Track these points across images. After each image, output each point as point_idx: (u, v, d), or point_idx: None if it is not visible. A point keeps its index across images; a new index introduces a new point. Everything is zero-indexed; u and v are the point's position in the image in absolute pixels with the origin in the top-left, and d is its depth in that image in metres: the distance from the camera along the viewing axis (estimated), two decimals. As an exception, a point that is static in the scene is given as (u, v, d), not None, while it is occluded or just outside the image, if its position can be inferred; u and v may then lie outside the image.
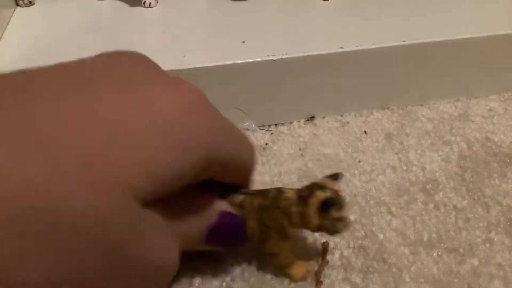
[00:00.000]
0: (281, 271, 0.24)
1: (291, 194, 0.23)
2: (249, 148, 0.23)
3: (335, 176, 0.23)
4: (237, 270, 0.25)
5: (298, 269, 0.24)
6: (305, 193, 0.22)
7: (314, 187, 0.22)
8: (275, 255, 0.24)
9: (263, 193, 0.23)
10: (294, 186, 0.30)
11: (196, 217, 0.20)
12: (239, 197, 0.23)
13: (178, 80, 0.19)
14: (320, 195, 0.22)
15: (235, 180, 0.23)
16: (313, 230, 0.23)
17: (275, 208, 0.22)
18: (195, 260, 0.25)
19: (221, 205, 0.22)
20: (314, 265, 0.25)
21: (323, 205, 0.21)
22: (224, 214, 0.22)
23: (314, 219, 0.22)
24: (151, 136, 0.16)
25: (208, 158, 0.18)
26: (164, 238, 0.18)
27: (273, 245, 0.23)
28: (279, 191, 0.23)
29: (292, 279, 0.24)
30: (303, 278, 0.24)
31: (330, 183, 0.23)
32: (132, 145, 0.16)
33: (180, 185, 0.18)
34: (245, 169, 0.23)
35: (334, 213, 0.22)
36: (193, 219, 0.20)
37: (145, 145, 0.16)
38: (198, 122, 0.18)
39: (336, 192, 0.22)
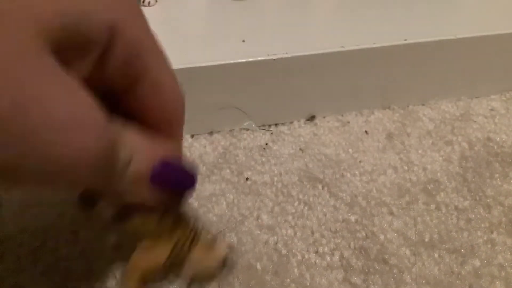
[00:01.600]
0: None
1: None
2: (169, 68, 0.20)
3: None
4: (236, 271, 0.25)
5: None
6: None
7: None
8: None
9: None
10: (295, 186, 0.30)
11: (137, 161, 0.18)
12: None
13: None
14: None
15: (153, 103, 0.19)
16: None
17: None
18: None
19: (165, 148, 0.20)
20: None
21: None
22: (169, 161, 0.19)
23: None
24: None
25: (114, 26, 0.16)
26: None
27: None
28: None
29: None
30: None
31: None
32: None
33: (89, 50, 0.16)
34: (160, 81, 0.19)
35: None
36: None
37: None
38: None
39: None
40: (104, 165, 0.16)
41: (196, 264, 0.21)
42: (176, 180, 0.20)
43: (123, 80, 0.18)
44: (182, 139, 0.23)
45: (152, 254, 0.20)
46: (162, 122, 0.20)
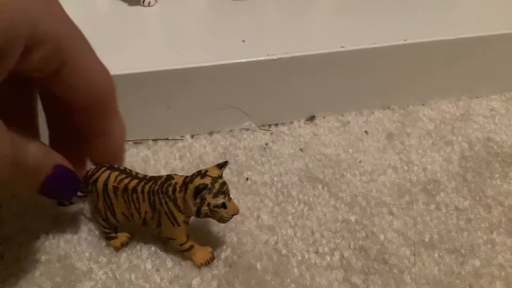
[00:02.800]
0: (183, 255, 0.25)
1: (177, 180, 0.23)
2: (92, 56, 0.22)
3: (220, 165, 0.24)
4: (236, 271, 0.24)
5: (200, 254, 0.25)
6: (187, 180, 0.23)
7: (196, 174, 0.23)
8: (171, 240, 0.24)
9: (155, 178, 0.24)
10: (295, 186, 0.30)
11: (32, 166, 0.21)
12: (124, 180, 0.24)
13: None
14: (196, 181, 0.22)
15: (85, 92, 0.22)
16: (198, 216, 0.23)
17: (164, 193, 0.23)
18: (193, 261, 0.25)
19: (57, 157, 0.22)
20: (220, 252, 0.25)
21: (195, 190, 0.22)
22: (59, 167, 0.22)
23: (191, 204, 0.22)
24: None
25: (34, 24, 0.18)
26: None
27: (167, 230, 0.24)
28: (169, 177, 0.24)
29: (195, 263, 0.25)
30: (206, 263, 0.25)
31: (213, 171, 0.23)
32: None
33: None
34: (86, 76, 0.21)
35: (209, 199, 0.22)
36: (28, 167, 0.20)
37: None
38: None
39: (215, 179, 0.22)
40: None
41: None
42: (63, 187, 0.23)
43: (47, 68, 0.20)
44: (123, 121, 0.25)
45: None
46: (90, 102, 0.22)
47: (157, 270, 0.25)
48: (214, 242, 0.26)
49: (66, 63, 0.20)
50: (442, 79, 0.38)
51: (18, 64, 0.18)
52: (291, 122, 0.36)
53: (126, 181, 0.24)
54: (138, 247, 0.26)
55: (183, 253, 0.25)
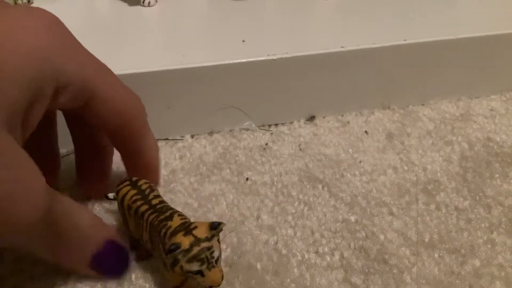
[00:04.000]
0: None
1: (172, 224, 0.21)
2: (119, 85, 0.23)
3: (214, 225, 0.20)
4: (235, 271, 0.24)
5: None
6: (177, 228, 0.21)
7: (183, 227, 0.21)
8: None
9: (162, 210, 0.23)
10: (295, 186, 0.30)
11: (83, 238, 0.21)
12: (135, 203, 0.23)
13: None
14: (175, 238, 0.20)
15: (115, 124, 0.23)
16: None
17: (158, 233, 0.21)
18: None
19: (111, 231, 0.23)
20: None
21: (168, 249, 0.20)
22: (110, 242, 0.22)
23: (164, 257, 0.21)
24: None
25: (55, 70, 0.19)
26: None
27: (161, 268, 0.22)
28: (170, 216, 0.22)
29: None
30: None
31: (202, 230, 0.20)
32: None
33: (31, 103, 0.18)
34: (117, 110, 0.23)
35: (182, 261, 0.20)
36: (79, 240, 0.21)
37: None
38: (41, 35, 0.18)
39: (196, 241, 0.20)
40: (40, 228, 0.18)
41: None
42: (113, 266, 0.23)
43: (75, 104, 0.21)
44: (155, 141, 0.26)
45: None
46: (120, 126, 0.23)
47: (157, 270, 0.25)
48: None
49: (94, 96, 0.21)
50: (442, 79, 0.38)
51: (49, 106, 0.19)
52: (291, 122, 0.36)
53: (138, 203, 0.23)
54: (138, 247, 0.26)
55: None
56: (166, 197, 0.28)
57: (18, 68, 0.17)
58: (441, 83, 0.38)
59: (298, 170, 0.31)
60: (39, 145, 0.24)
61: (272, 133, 0.35)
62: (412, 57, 0.35)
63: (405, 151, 0.33)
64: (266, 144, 0.34)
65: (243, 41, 0.34)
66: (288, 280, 0.24)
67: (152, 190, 0.24)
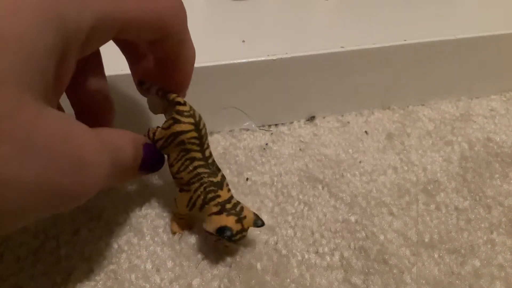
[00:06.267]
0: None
1: (222, 195, 0.24)
2: (174, 8, 0.23)
3: (257, 223, 0.24)
4: (235, 272, 0.25)
5: (176, 225, 0.26)
6: (232, 205, 0.24)
7: (236, 209, 0.24)
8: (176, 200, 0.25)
9: (212, 166, 0.24)
10: (295, 187, 0.30)
11: (132, 160, 0.22)
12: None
13: None
14: (228, 220, 0.23)
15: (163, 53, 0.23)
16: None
17: (205, 190, 0.24)
18: (194, 262, 0.25)
19: (141, 138, 0.24)
20: (220, 253, 0.26)
21: (219, 229, 0.23)
22: (148, 146, 0.24)
23: (208, 225, 0.24)
24: None
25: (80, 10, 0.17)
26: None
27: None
28: (221, 182, 0.24)
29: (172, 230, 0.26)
30: (176, 231, 0.26)
31: (249, 221, 0.24)
32: None
33: (84, 40, 0.17)
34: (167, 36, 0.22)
35: (224, 240, 0.23)
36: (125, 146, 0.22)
37: None
38: None
39: (242, 231, 0.24)
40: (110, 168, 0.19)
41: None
42: (156, 161, 0.25)
43: (151, 37, 0.21)
44: (193, 47, 0.26)
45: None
46: (180, 74, 0.24)
47: (157, 270, 0.25)
48: (214, 242, 0.26)
49: (171, 36, 0.22)
50: (442, 79, 0.38)
51: (86, 49, 0.19)
52: (291, 122, 0.36)
53: (194, 147, 0.24)
54: (137, 247, 0.26)
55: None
56: (166, 197, 0.28)
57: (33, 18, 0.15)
58: (441, 83, 0.38)
59: (298, 170, 0.31)
60: (88, 90, 0.24)
61: (272, 133, 0.35)
62: (412, 57, 0.35)
63: (405, 151, 0.33)
64: (266, 144, 0.34)
65: (243, 41, 0.34)
66: (288, 280, 0.24)
67: (207, 137, 0.25)
